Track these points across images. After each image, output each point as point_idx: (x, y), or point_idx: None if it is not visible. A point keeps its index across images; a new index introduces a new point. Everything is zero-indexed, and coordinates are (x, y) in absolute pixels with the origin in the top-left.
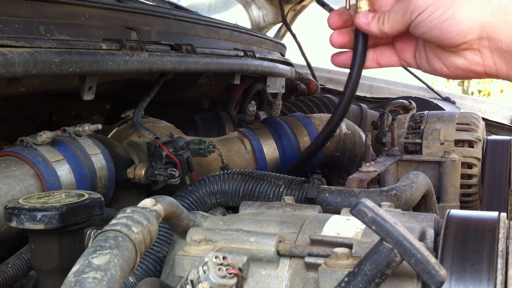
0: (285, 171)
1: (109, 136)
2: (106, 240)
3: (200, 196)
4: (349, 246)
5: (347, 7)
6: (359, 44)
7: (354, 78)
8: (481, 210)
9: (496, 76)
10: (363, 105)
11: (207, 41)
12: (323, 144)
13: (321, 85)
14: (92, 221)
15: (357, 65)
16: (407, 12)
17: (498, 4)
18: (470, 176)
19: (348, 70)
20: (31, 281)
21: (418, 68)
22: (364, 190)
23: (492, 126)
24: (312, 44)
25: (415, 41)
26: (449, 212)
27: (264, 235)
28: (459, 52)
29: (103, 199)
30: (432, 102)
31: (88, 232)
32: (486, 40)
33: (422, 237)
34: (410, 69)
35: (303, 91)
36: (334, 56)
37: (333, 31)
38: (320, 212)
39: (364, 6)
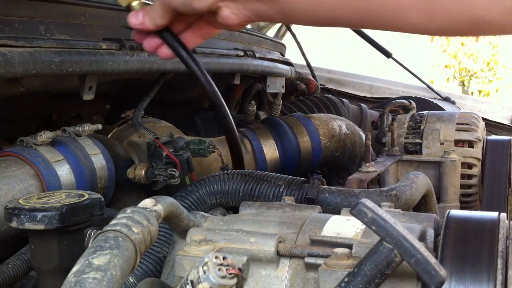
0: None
1: (109, 136)
2: (106, 240)
3: (200, 196)
4: (349, 247)
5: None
6: (166, 38)
7: (197, 67)
8: (481, 210)
9: (251, 21)
10: (363, 105)
11: (207, 40)
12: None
13: (321, 85)
14: (92, 221)
15: (181, 52)
16: (165, 4)
17: None
18: (470, 176)
19: (346, 70)
20: (31, 282)
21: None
22: (364, 190)
23: (492, 126)
24: (312, 44)
25: None
26: (449, 212)
27: (264, 236)
28: (215, 13)
29: (103, 199)
30: (432, 102)
31: (88, 233)
32: (229, 1)
33: (422, 237)
34: (410, 69)
35: (303, 91)
36: (160, 52)
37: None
38: (320, 212)
39: (136, 5)
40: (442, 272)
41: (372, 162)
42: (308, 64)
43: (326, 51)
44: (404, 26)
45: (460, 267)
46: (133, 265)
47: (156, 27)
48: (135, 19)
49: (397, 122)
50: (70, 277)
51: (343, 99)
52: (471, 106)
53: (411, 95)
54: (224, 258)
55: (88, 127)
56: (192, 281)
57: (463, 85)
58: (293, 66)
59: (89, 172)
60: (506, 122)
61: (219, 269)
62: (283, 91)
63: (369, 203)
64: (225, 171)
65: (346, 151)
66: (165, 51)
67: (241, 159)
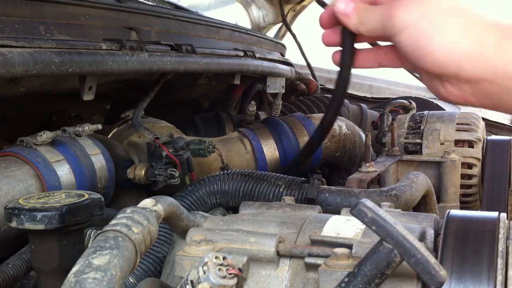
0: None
1: (109, 136)
2: (106, 240)
3: (200, 196)
4: (349, 247)
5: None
6: (346, 41)
7: (342, 78)
8: (481, 210)
9: (482, 107)
10: (363, 105)
11: (207, 41)
12: (318, 145)
13: (321, 85)
14: (92, 221)
15: (345, 63)
16: (386, 26)
17: (474, 36)
18: (470, 176)
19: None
20: (31, 282)
21: (419, 76)
22: (364, 190)
23: (492, 126)
24: (312, 44)
25: None
26: (449, 212)
27: (264, 236)
28: (440, 80)
29: (103, 199)
30: (432, 102)
31: (88, 233)
32: (465, 81)
33: (422, 237)
34: None
35: (303, 91)
36: (333, 55)
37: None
38: (320, 212)
39: None
40: (442, 272)
41: (372, 162)
42: (308, 64)
43: (326, 51)
44: None
45: (460, 267)
46: (133, 265)
47: (355, 31)
48: (343, 5)
49: (397, 122)
50: (70, 277)
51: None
52: None
53: (411, 95)
54: (224, 258)
55: (88, 127)
56: (192, 281)
57: None
58: (293, 66)
59: (89, 172)
60: (506, 122)
61: (219, 269)
62: (283, 91)
63: (369, 203)
64: (225, 171)
65: (346, 151)
66: (336, 56)
67: None
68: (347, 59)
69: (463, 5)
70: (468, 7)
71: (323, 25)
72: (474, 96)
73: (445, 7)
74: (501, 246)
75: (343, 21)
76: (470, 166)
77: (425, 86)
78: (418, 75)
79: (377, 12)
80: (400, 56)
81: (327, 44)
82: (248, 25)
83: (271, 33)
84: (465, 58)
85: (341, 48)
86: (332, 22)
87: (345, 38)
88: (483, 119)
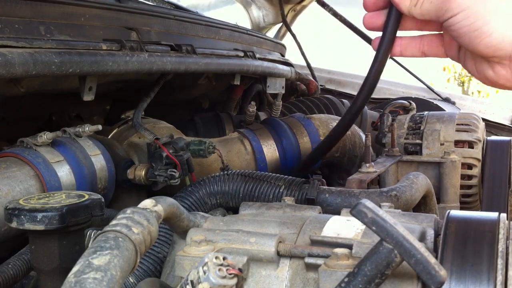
0: (288, 170)
1: (109, 137)
2: (106, 240)
3: (200, 197)
4: (349, 247)
5: None
6: (390, 24)
7: (379, 59)
8: (481, 210)
9: None
10: None
11: (207, 41)
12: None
13: (321, 85)
14: (92, 221)
15: (384, 45)
16: (441, 9)
17: None
18: (470, 177)
19: (346, 70)
20: (31, 282)
21: (461, 64)
22: (364, 191)
23: (492, 126)
24: (312, 45)
25: None
26: (449, 212)
27: (264, 236)
28: (489, 63)
29: (103, 200)
30: (432, 102)
31: (88, 233)
32: None
33: (422, 238)
34: (410, 69)
35: (303, 92)
36: (374, 41)
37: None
38: (320, 212)
39: None
40: (442, 272)
41: (372, 163)
42: (308, 65)
43: (326, 51)
44: None
45: (460, 267)
46: (133, 265)
47: (408, 14)
48: None
49: (397, 122)
50: (70, 277)
51: (343, 100)
52: (471, 106)
53: (411, 95)
54: (224, 258)
55: (88, 128)
56: (192, 281)
57: (463, 85)
58: (293, 67)
59: (89, 173)
60: (506, 122)
61: (219, 269)
62: (283, 91)
63: (369, 203)
64: (225, 172)
65: (346, 152)
66: (376, 42)
67: None
68: (387, 42)
69: None
70: None
71: (367, 7)
72: None
73: None
74: (501, 246)
75: (395, 2)
76: (470, 166)
77: (425, 87)
78: (461, 64)
79: None
80: (445, 44)
81: (369, 27)
82: (248, 25)
83: (271, 33)
84: None
85: (381, 38)
86: (378, 4)
87: (390, 21)
88: (483, 119)
